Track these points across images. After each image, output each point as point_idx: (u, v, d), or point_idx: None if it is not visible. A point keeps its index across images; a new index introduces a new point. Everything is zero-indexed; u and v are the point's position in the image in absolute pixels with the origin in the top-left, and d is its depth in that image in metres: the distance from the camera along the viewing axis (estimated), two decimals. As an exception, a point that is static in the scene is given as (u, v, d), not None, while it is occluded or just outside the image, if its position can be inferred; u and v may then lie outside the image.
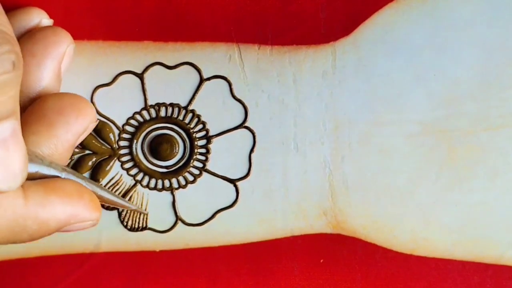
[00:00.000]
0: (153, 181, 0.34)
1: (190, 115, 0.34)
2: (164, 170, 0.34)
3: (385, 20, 0.34)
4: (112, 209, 0.34)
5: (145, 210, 0.34)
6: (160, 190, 0.34)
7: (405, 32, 0.34)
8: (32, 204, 0.24)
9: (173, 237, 0.34)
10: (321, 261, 0.35)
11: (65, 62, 0.28)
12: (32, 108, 0.26)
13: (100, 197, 0.28)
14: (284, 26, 0.34)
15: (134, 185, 0.34)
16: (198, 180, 0.34)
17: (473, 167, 0.34)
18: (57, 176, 0.26)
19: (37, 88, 0.27)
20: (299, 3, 0.34)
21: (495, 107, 0.34)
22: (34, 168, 0.25)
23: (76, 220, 0.26)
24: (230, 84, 0.34)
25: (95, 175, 0.34)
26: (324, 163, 0.34)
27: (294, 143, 0.34)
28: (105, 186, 0.34)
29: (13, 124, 0.21)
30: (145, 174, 0.34)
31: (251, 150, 0.34)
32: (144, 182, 0.34)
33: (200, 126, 0.34)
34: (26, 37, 0.27)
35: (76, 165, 0.34)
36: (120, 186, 0.34)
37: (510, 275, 0.34)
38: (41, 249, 0.34)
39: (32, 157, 0.24)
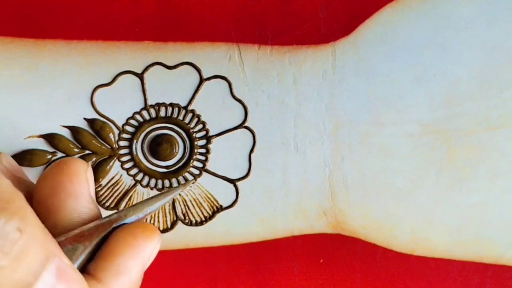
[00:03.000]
0: (153, 181, 0.34)
1: (190, 115, 0.34)
2: (164, 170, 0.34)
3: (385, 20, 0.34)
4: (112, 208, 0.34)
5: (192, 181, 0.34)
6: (160, 190, 0.34)
7: (405, 32, 0.34)
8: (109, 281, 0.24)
9: (173, 237, 0.34)
10: (321, 261, 0.35)
11: (91, 184, 0.28)
12: (105, 247, 0.25)
13: (150, 214, 0.28)
14: (284, 26, 0.34)
15: (134, 185, 0.34)
16: (198, 180, 0.34)
17: (473, 167, 0.34)
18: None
19: (79, 217, 0.26)
20: (299, 3, 0.34)
21: (495, 107, 0.34)
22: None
23: (148, 261, 0.26)
24: (230, 84, 0.34)
25: (95, 175, 0.34)
26: (324, 163, 0.34)
27: (294, 143, 0.34)
28: (105, 186, 0.34)
29: (55, 265, 0.21)
30: (145, 174, 0.34)
31: (251, 150, 0.34)
32: (144, 182, 0.34)
33: (200, 126, 0.34)
34: (51, 173, 0.26)
35: (76, 165, 0.34)
36: (120, 186, 0.34)
37: (510, 275, 0.34)
38: (41, 249, 0.34)
39: None
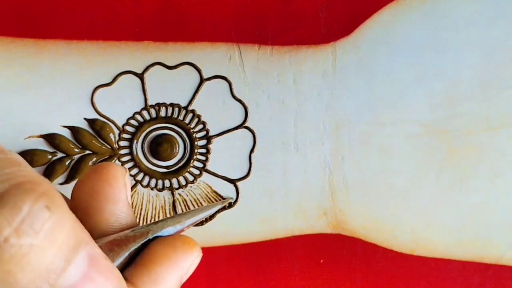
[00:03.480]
0: (153, 181, 0.34)
1: (190, 115, 0.34)
2: (164, 170, 0.34)
3: (385, 20, 0.34)
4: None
5: (230, 199, 0.34)
6: (160, 190, 0.34)
7: (405, 32, 0.34)
8: None
9: (173, 237, 0.34)
10: (321, 261, 0.35)
11: (129, 190, 0.28)
12: (142, 257, 0.25)
13: (188, 227, 0.28)
14: (284, 26, 0.34)
15: (134, 185, 0.34)
16: (198, 180, 0.34)
17: (473, 167, 0.34)
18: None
19: (117, 221, 0.26)
20: (299, 3, 0.34)
21: (495, 107, 0.34)
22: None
23: (186, 275, 0.26)
24: (230, 84, 0.34)
25: (95, 175, 0.34)
26: (324, 163, 0.34)
27: (294, 143, 0.34)
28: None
29: (86, 252, 0.21)
30: (145, 174, 0.34)
31: (251, 150, 0.34)
32: (144, 182, 0.34)
33: (200, 126, 0.34)
34: (91, 177, 0.26)
35: (76, 165, 0.34)
36: (120, 186, 0.34)
37: (510, 275, 0.34)
38: (41, 249, 0.34)
39: None
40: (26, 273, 0.19)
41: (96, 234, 0.24)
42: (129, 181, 0.27)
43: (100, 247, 0.23)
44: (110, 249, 0.24)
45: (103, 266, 0.21)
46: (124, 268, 0.24)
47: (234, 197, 0.34)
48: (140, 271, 0.24)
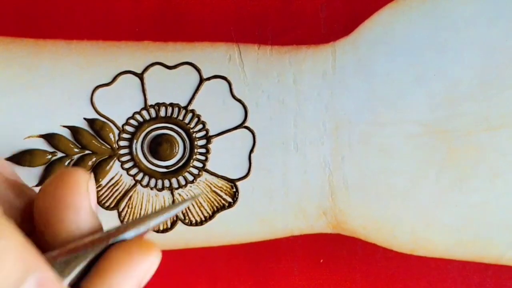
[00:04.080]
0: (153, 181, 0.34)
1: (190, 115, 0.34)
2: (164, 170, 0.34)
3: (385, 20, 0.34)
4: (112, 208, 0.34)
5: (195, 197, 0.34)
6: (160, 190, 0.34)
7: (405, 32, 0.34)
8: None
9: (173, 237, 0.34)
10: (321, 261, 0.35)
11: (93, 196, 0.27)
12: (100, 263, 0.25)
13: (152, 228, 0.27)
14: (284, 26, 0.34)
15: (134, 185, 0.34)
16: (198, 179, 0.34)
17: (473, 167, 0.34)
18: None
19: (78, 229, 0.26)
20: (299, 3, 0.34)
21: (495, 107, 0.34)
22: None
23: (148, 276, 0.25)
24: (230, 84, 0.34)
25: (95, 175, 0.34)
26: (324, 163, 0.34)
27: (294, 143, 0.34)
28: (104, 186, 0.34)
29: (35, 279, 0.21)
30: (145, 174, 0.34)
31: (251, 150, 0.34)
32: (144, 182, 0.34)
33: (200, 126, 0.34)
34: (52, 184, 0.26)
35: (76, 165, 0.34)
36: (120, 186, 0.34)
37: (510, 275, 0.34)
38: (41, 249, 0.34)
39: None
40: None
41: (58, 242, 0.24)
42: (94, 187, 0.26)
43: (57, 257, 0.23)
44: (67, 261, 0.23)
45: None
46: (81, 278, 0.24)
47: (200, 193, 0.34)
48: (96, 281, 0.24)
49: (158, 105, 0.34)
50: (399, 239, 0.34)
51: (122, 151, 0.34)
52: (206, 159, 0.34)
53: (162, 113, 0.34)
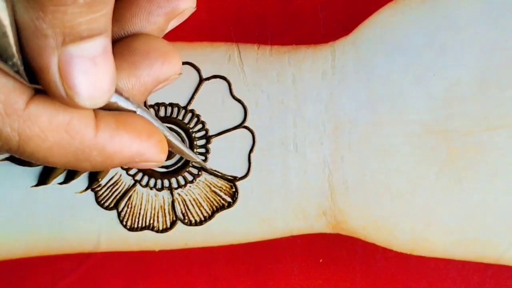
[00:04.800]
0: (152, 181, 0.34)
1: (189, 115, 0.34)
2: (164, 170, 0.34)
3: (384, 20, 0.34)
4: (111, 208, 0.34)
5: (208, 166, 0.34)
6: (159, 190, 0.34)
7: (405, 32, 0.34)
8: (101, 136, 0.23)
9: (172, 237, 0.34)
10: (321, 261, 0.34)
11: (175, 22, 0.28)
12: (121, 43, 0.26)
13: (168, 142, 0.27)
14: (284, 26, 0.34)
15: (134, 185, 0.34)
16: (198, 179, 0.34)
17: (473, 167, 0.34)
18: (132, 112, 0.25)
19: (136, 30, 0.26)
20: (299, 3, 0.34)
21: (495, 107, 0.34)
22: (113, 98, 0.24)
23: (142, 159, 0.25)
24: (229, 84, 0.34)
25: (94, 175, 0.34)
26: (324, 163, 0.34)
27: (293, 143, 0.34)
28: (104, 186, 0.34)
29: (105, 42, 0.21)
30: (144, 173, 0.34)
31: (251, 150, 0.34)
32: (144, 182, 0.34)
33: (200, 126, 0.34)
34: None
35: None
36: (120, 186, 0.34)
37: (510, 275, 0.34)
38: (41, 249, 0.34)
39: None
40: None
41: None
42: (186, 14, 0.27)
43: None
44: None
45: (109, 61, 0.21)
46: None
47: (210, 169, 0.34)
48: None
49: (158, 105, 0.34)
50: (399, 239, 0.34)
51: (121, 151, 0.34)
52: (206, 159, 0.34)
53: (161, 113, 0.34)
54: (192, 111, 0.34)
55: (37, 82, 0.21)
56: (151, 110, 0.33)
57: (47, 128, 0.22)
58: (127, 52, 0.25)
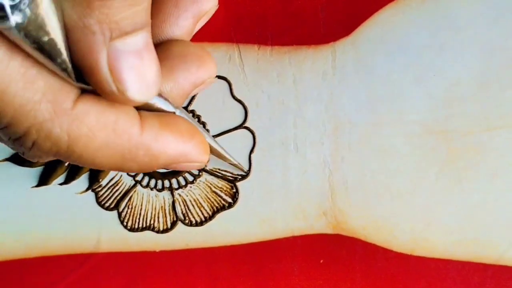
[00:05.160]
0: (153, 181, 0.34)
1: (190, 115, 0.34)
2: (164, 170, 0.34)
3: (385, 20, 0.34)
4: (112, 209, 0.34)
5: (245, 170, 0.34)
6: (160, 190, 0.34)
7: (405, 32, 0.34)
8: (147, 135, 0.24)
9: (173, 237, 0.34)
10: (321, 261, 0.35)
11: (201, 22, 0.28)
12: (157, 49, 0.25)
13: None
14: (284, 26, 0.34)
15: (134, 185, 0.34)
16: (198, 180, 0.34)
17: (473, 167, 0.34)
18: (173, 113, 0.26)
19: (167, 36, 0.27)
20: (299, 3, 0.34)
21: (495, 107, 0.34)
22: (154, 99, 0.24)
23: (185, 160, 0.25)
24: (230, 84, 0.34)
25: (95, 175, 0.34)
26: (324, 164, 0.34)
27: (294, 144, 0.34)
28: (104, 186, 0.34)
29: (147, 36, 0.22)
30: (144, 174, 0.34)
31: (251, 151, 0.34)
32: (144, 182, 0.34)
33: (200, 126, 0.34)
34: None
35: (76, 166, 0.34)
36: (120, 186, 0.34)
37: (510, 275, 0.34)
38: (41, 249, 0.34)
39: None
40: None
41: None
42: (211, 13, 0.28)
43: None
44: None
45: (153, 54, 0.22)
46: None
47: (247, 171, 0.34)
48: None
49: (158, 105, 0.34)
50: (399, 239, 0.34)
51: (122, 152, 0.34)
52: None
53: (162, 113, 0.34)
54: (192, 111, 0.34)
55: (83, 81, 0.21)
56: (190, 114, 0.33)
57: (95, 127, 0.22)
58: (163, 57, 0.26)
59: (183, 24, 0.27)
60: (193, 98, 0.34)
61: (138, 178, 0.34)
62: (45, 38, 0.19)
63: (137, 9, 0.20)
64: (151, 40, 0.22)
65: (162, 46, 0.26)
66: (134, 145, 0.23)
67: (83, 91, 0.22)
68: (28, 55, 0.20)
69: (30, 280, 0.34)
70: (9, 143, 0.22)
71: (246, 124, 0.34)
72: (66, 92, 0.21)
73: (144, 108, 0.24)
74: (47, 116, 0.21)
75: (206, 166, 0.32)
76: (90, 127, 0.22)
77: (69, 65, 0.21)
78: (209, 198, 0.34)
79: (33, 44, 0.19)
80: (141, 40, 0.21)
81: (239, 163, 0.33)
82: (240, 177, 0.34)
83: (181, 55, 0.26)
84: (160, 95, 0.25)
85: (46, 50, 0.20)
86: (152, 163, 0.24)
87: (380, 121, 0.34)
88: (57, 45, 0.20)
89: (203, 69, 0.26)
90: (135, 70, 0.21)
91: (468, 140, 0.34)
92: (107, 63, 0.21)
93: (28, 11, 0.19)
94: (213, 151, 0.29)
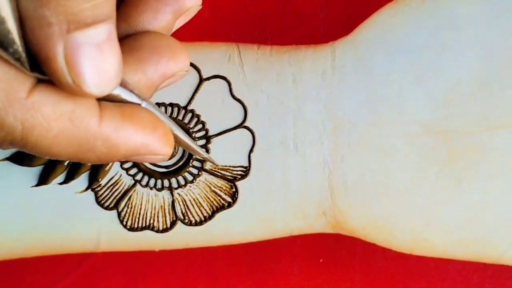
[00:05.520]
0: (152, 181, 0.34)
1: (189, 115, 0.34)
2: (164, 170, 0.34)
3: (384, 20, 0.34)
4: (111, 208, 0.34)
5: (216, 163, 0.34)
6: (159, 190, 0.34)
7: (405, 32, 0.34)
8: (106, 126, 0.23)
9: (172, 237, 0.34)
10: (321, 261, 0.35)
11: (182, 20, 0.28)
12: (129, 40, 0.26)
13: (174, 136, 0.27)
14: (284, 26, 0.34)
15: (134, 185, 0.34)
16: (197, 179, 0.34)
17: (473, 167, 0.34)
18: (137, 105, 0.25)
19: (144, 29, 0.26)
20: (299, 3, 0.34)
21: (495, 107, 0.34)
22: (117, 90, 0.24)
23: (146, 152, 0.25)
24: (229, 84, 0.34)
25: (94, 175, 0.34)
26: (324, 163, 0.34)
27: (293, 143, 0.34)
28: (104, 186, 0.34)
29: (109, 29, 0.21)
30: (144, 173, 0.34)
31: (251, 150, 0.34)
32: (144, 182, 0.34)
33: (200, 126, 0.34)
34: None
35: (75, 165, 0.34)
36: (120, 186, 0.34)
37: (509, 275, 0.34)
38: (41, 249, 0.34)
39: None
40: None
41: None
42: (192, 12, 0.27)
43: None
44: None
45: (115, 47, 0.22)
46: None
47: (218, 164, 0.34)
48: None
49: (158, 104, 0.34)
50: (399, 239, 0.34)
51: (121, 151, 0.34)
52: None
53: (161, 113, 0.34)
54: (192, 111, 0.34)
55: (39, 71, 0.21)
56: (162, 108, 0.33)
57: (50, 116, 0.22)
58: (134, 47, 0.25)
59: (162, 18, 0.27)
60: (192, 98, 0.34)
61: (138, 177, 0.34)
62: None
63: (98, 1, 0.20)
64: (114, 32, 0.22)
65: (135, 37, 0.26)
66: (92, 135, 0.23)
67: (40, 80, 0.22)
68: None
69: (30, 279, 0.34)
70: None
71: (246, 124, 0.34)
72: (21, 81, 0.21)
73: (106, 99, 0.24)
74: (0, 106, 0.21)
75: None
76: (45, 117, 0.22)
77: (23, 55, 0.20)
78: (208, 198, 0.34)
79: None
80: (103, 33, 0.21)
81: (209, 157, 0.32)
82: (239, 176, 0.34)
83: (152, 46, 0.25)
84: (125, 86, 0.25)
85: None
86: (111, 154, 0.24)
87: (380, 121, 0.34)
88: (9, 34, 0.20)
89: (173, 62, 0.26)
90: (94, 63, 0.21)
91: (468, 140, 0.34)
92: (63, 55, 0.20)
93: None
94: (181, 144, 0.28)
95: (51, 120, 0.22)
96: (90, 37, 0.20)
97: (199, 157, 0.32)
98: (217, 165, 0.34)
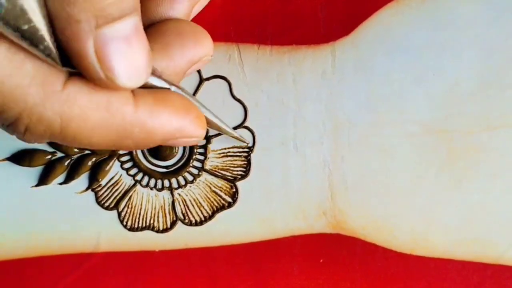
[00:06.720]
0: (152, 181, 0.34)
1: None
2: (164, 170, 0.34)
3: (384, 20, 0.34)
4: (112, 209, 0.34)
5: (246, 141, 0.34)
6: (160, 190, 0.34)
7: (405, 32, 0.34)
8: (141, 112, 0.23)
9: (172, 237, 0.34)
10: (321, 261, 0.35)
11: (198, 7, 0.28)
12: (152, 28, 0.26)
13: (205, 118, 0.28)
14: (284, 26, 0.34)
15: (134, 185, 0.34)
16: (198, 179, 0.34)
17: (473, 167, 0.34)
18: (167, 89, 0.25)
19: (162, 18, 0.27)
20: (299, 3, 0.34)
21: (495, 107, 0.34)
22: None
23: (182, 135, 0.25)
24: (229, 84, 0.34)
25: (95, 175, 0.34)
26: (324, 163, 0.34)
27: (293, 143, 0.34)
28: (104, 186, 0.34)
29: (135, 21, 0.21)
30: (144, 174, 0.34)
31: (251, 150, 0.34)
32: (144, 182, 0.34)
33: (200, 126, 0.34)
34: None
35: (75, 165, 0.34)
36: (120, 186, 0.34)
37: (509, 275, 0.34)
38: (41, 249, 0.34)
39: None
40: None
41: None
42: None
43: None
44: None
45: (142, 39, 0.22)
46: None
47: (248, 142, 0.34)
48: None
49: (158, 105, 0.34)
50: (399, 239, 0.34)
51: (121, 151, 0.34)
52: (206, 159, 0.34)
53: (161, 113, 0.34)
54: (192, 111, 0.34)
55: (71, 66, 0.21)
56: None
57: (87, 107, 0.22)
58: (159, 35, 0.25)
59: (179, 7, 0.27)
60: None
61: (138, 177, 0.34)
62: (25, 27, 0.20)
63: None
64: (141, 24, 0.22)
65: (158, 25, 0.26)
66: (129, 122, 0.23)
67: (72, 74, 0.22)
68: (13, 42, 0.20)
69: (30, 280, 0.34)
70: (3, 129, 0.22)
71: (246, 124, 0.34)
72: (55, 75, 0.21)
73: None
74: (37, 100, 0.21)
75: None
76: (82, 108, 0.22)
77: (54, 51, 0.21)
78: (208, 198, 0.34)
79: (15, 32, 0.20)
80: (130, 26, 0.21)
81: (240, 136, 0.33)
82: (239, 176, 0.34)
83: (177, 32, 0.26)
84: (154, 72, 0.25)
85: (27, 37, 0.20)
86: (148, 139, 0.24)
87: (380, 121, 0.34)
88: (38, 32, 0.20)
89: (199, 46, 0.26)
90: (124, 56, 0.21)
91: (468, 140, 0.34)
92: (94, 51, 0.21)
93: (4, 1, 0.19)
94: (212, 125, 0.29)
95: (88, 110, 0.22)
96: (118, 31, 0.21)
97: (230, 137, 0.32)
98: (247, 143, 0.34)
